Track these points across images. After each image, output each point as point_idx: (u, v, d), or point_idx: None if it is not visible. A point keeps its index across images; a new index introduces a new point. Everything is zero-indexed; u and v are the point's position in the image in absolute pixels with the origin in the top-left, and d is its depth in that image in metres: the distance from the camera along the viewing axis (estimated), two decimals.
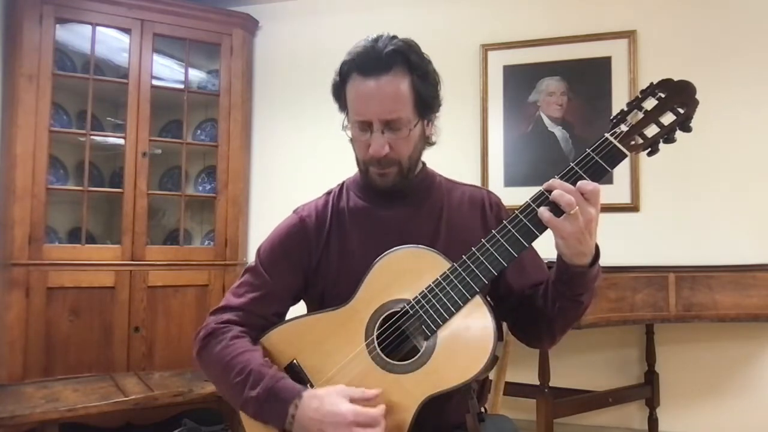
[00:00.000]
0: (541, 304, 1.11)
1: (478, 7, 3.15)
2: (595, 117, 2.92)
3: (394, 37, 1.12)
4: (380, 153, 1.11)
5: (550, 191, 0.97)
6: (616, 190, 2.84)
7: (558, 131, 2.99)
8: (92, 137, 3.01)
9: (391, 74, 1.09)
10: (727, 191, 2.74)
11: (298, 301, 1.24)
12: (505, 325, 1.32)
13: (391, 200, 1.20)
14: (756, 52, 2.74)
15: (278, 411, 1.00)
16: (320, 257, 1.19)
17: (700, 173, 2.78)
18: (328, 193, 1.28)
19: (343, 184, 1.30)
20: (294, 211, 1.26)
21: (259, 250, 1.23)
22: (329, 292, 1.17)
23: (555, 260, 1.05)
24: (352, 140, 1.19)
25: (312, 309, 1.23)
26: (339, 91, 1.18)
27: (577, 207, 0.94)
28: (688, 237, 2.78)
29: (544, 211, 0.97)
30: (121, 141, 2.99)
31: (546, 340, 1.16)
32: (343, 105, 1.19)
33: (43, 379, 2.59)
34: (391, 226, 1.18)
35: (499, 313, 1.22)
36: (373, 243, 1.13)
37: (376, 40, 1.11)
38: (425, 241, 1.10)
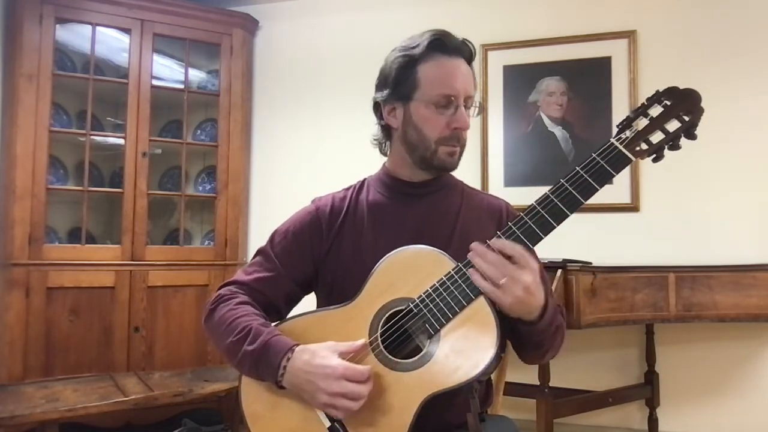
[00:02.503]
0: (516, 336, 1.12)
1: (478, 7, 3.15)
2: (595, 117, 2.92)
3: None
4: (467, 124, 1.16)
5: (563, 193, 1.00)
6: (616, 190, 2.85)
7: (558, 131, 2.99)
8: (92, 137, 3.01)
9: (466, 59, 1.18)
10: (727, 191, 2.75)
11: (310, 290, 1.25)
12: None
13: (411, 198, 1.22)
14: (756, 52, 2.74)
15: (271, 364, 1.03)
16: (330, 247, 1.20)
17: (700, 173, 2.78)
18: (348, 189, 1.30)
19: (364, 180, 1.31)
20: (312, 201, 1.29)
21: (272, 234, 1.25)
22: (338, 284, 1.18)
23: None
24: (415, 123, 1.17)
25: (321, 300, 1.24)
26: (406, 72, 1.16)
27: (506, 279, 0.96)
28: (688, 237, 2.78)
29: (478, 280, 0.98)
30: (121, 141, 2.99)
31: (538, 362, 1.20)
32: (400, 87, 1.17)
33: (43, 379, 2.58)
34: (407, 224, 1.19)
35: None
36: (387, 239, 1.15)
37: (441, 30, 1.17)
38: (439, 242, 1.10)
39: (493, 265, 0.97)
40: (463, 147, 1.19)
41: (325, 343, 1.03)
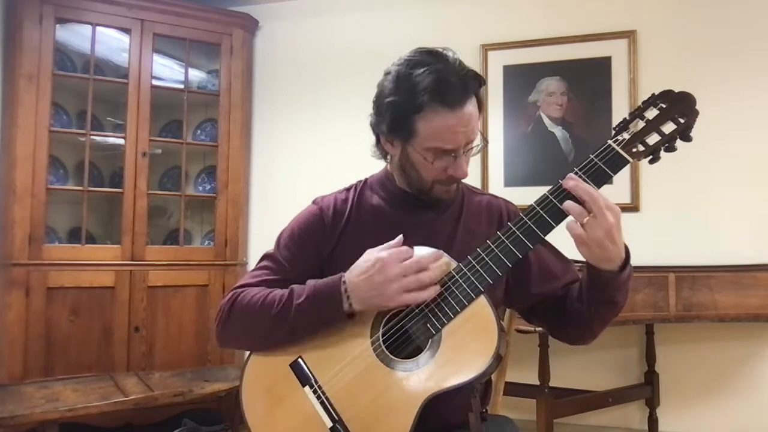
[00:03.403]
0: (578, 307, 1.12)
1: (478, 7, 3.15)
2: (595, 117, 2.92)
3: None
4: (466, 174, 1.14)
5: (561, 194, 0.99)
6: (616, 190, 2.84)
7: (558, 131, 2.99)
8: (92, 137, 3.01)
9: (471, 97, 1.08)
10: (727, 191, 2.75)
11: None
12: (505, 322, 1.32)
13: (413, 205, 1.21)
14: (756, 52, 2.74)
15: (333, 297, 1.04)
16: (333, 249, 1.20)
17: (700, 173, 2.78)
18: (348, 189, 1.28)
19: (365, 181, 1.30)
20: (313, 201, 1.27)
21: (278, 238, 1.24)
22: None
23: (579, 261, 1.05)
24: (413, 163, 1.13)
25: None
26: (403, 119, 1.09)
27: (589, 217, 0.96)
28: (688, 237, 2.78)
29: (572, 226, 0.98)
30: (121, 141, 2.99)
31: (588, 338, 1.19)
32: (400, 127, 1.10)
33: (43, 379, 2.58)
34: (408, 230, 1.17)
35: (535, 320, 1.24)
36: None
37: (447, 60, 1.08)
38: (442, 245, 1.10)
39: (587, 199, 0.96)
40: (459, 182, 1.19)
41: (365, 253, 1.06)
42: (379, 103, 1.14)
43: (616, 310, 1.10)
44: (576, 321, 1.14)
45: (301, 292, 1.07)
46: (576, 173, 1.00)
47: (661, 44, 2.87)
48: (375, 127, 1.19)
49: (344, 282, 1.04)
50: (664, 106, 1.02)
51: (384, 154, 1.24)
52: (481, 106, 1.12)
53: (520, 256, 1.01)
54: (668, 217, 2.82)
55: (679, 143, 1.02)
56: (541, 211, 1.01)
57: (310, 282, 1.09)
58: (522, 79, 3.07)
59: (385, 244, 1.06)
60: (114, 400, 2.18)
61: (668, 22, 2.87)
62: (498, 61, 3.10)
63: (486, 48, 3.10)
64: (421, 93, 1.04)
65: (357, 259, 1.14)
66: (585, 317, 1.12)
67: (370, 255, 1.04)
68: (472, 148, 1.12)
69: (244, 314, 1.12)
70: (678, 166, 2.76)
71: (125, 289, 2.89)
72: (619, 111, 2.85)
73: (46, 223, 2.82)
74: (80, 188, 2.96)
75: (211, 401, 2.53)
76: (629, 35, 2.90)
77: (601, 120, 2.89)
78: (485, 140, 1.19)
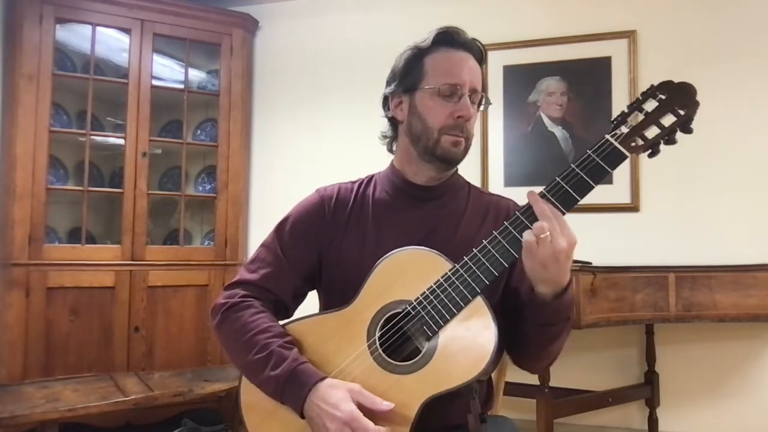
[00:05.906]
0: (520, 322, 1.10)
1: (478, 7, 3.15)
2: (595, 117, 2.92)
3: None
4: (471, 113, 1.15)
5: (559, 191, 0.98)
6: (616, 190, 2.85)
7: (558, 131, 2.99)
8: (92, 137, 3.01)
9: (473, 52, 1.20)
10: (727, 191, 2.75)
11: (313, 284, 1.24)
12: None
13: (417, 200, 1.21)
14: (756, 52, 2.74)
15: (297, 394, 1.01)
16: (334, 238, 1.19)
17: (700, 173, 2.78)
18: (354, 182, 1.28)
19: (372, 176, 1.30)
20: (316, 190, 1.27)
21: (277, 225, 1.24)
22: (340, 283, 1.16)
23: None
24: (419, 113, 1.16)
25: (322, 299, 1.24)
26: (414, 63, 1.18)
27: (548, 233, 0.93)
28: (688, 237, 2.78)
29: (527, 232, 0.96)
30: (121, 141, 2.99)
31: (524, 359, 1.18)
32: (407, 78, 1.19)
33: (43, 379, 2.58)
34: (411, 225, 1.18)
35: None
36: (390, 240, 1.13)
37: (452, 26, 1.20)
38: (441, 244, 1.09)
39: (546, 219, 0.94)
40: (468, 139, 1.17)
41: (349, 385, 1.00)
42: (392, 70, 1.23)
43: (550, 337, 1.07)
44: (514, 338, 1.12)
45: (279, 362, 1.03)
46: (573, 169, 0.99)
47: (661, 44, 2.87)
48: (386, 91, 1.24)
49: (312, 391, 1.00)
50: (663, 97, 0.99)
51: (392, 131, 1.26)
52: (482, 75, 1.20)
53: (517, 256, 1.00)
54: (668, 217, 2.82)
55: (681, 137, 0.99)
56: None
57: (292, 359, 1.04)
58: (522, 79, 3.06)
59: (373, 400, 0.98)
60: (114, 400, 2.18)
61: (668, 22, 2.87)
62: (498, 61, 3.10)
63: (486, 48, 3.09)
64: (430, 38, 1.18)
65: (357, 254, 1.15)
66: (520, 336, 1.10)
67: (345, 398, 0.97)
68: (477, 96, 1.17)
69: (229, 338, 1.13)
70: (678, 166, 2.77)
71: (125, 289, 2.89)
72: (619, 111, 2.83)
73: (46, 223, 2.82)
74: (80, 188, 2.97)
75: (211, 401, 2.53)
76: (629, 35, 2.90)
77: (601, 120, 2.89)
78: (488, 100, 1.22)
